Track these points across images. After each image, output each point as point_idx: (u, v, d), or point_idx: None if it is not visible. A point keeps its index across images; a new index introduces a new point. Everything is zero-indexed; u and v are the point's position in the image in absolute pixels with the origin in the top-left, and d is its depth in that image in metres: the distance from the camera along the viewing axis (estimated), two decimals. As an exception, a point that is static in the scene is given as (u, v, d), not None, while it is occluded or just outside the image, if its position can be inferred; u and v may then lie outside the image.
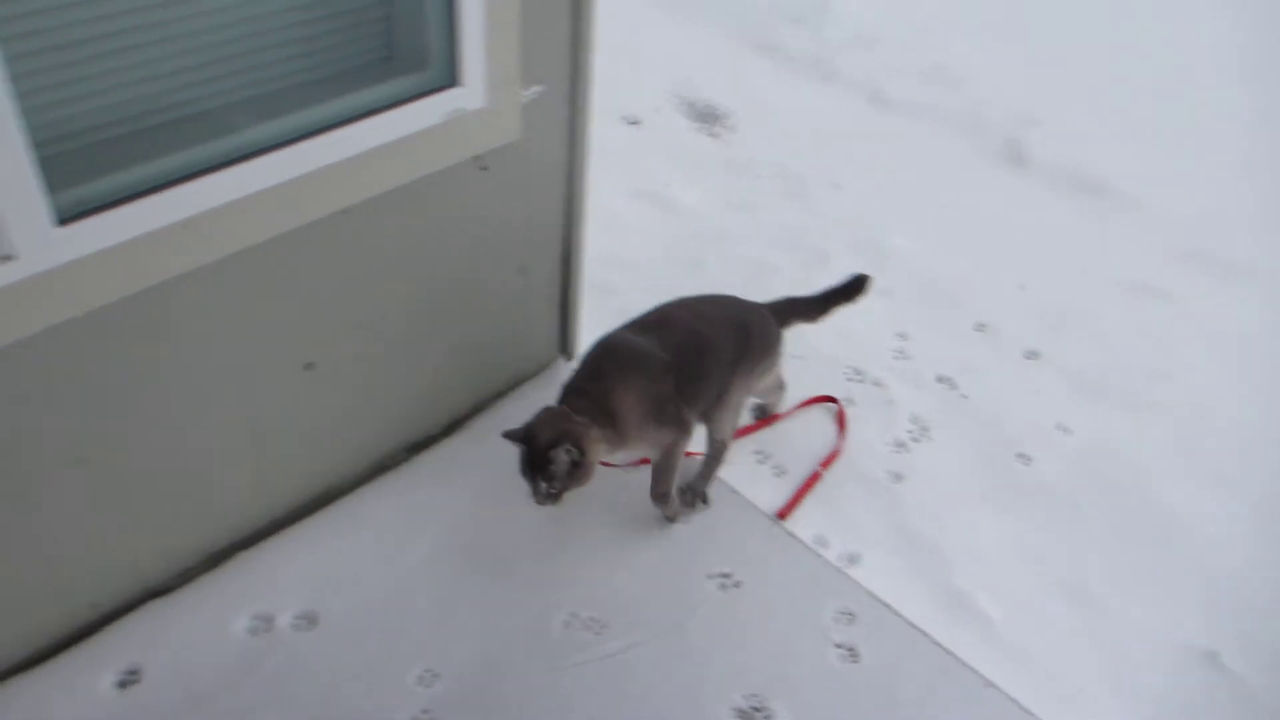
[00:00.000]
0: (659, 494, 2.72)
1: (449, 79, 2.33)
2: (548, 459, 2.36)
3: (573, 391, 2.52)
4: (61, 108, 1.83)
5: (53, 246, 1.78)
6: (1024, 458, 3.19)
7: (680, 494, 2.82)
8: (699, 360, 2.61)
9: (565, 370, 3.18)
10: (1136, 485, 3.13)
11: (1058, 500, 3.06)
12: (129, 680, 2.36)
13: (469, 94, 2.36)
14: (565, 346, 3.24)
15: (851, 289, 3.01)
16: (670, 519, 2.78)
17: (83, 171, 1.85)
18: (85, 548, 2.31)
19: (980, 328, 3.72)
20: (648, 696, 2.42)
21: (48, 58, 1.79)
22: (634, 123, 4.80)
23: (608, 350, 2.59)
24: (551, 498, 2.44)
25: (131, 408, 2.18)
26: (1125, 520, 3.02)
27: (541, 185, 2.79)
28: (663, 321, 2.66)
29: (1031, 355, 3.62)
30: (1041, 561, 2.88)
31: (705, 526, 2.82)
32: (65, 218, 1.79)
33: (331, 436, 2.69)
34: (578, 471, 2.41)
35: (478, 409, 3.06)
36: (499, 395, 3.11)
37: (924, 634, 2.57)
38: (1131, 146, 4.74)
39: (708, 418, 2.73)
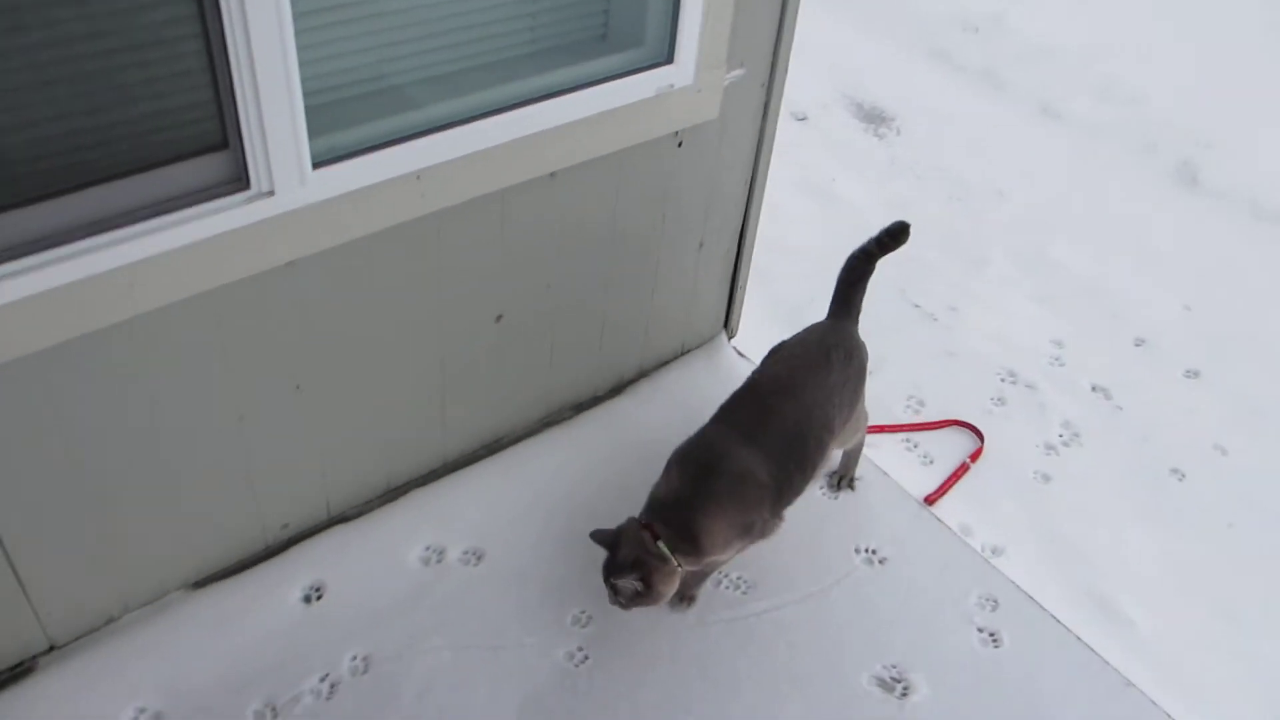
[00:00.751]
0: (687, 597, 2.63)
1: (663, 56, 2.47)
2: (615, 581, 2.35)
3: (662, 505, 2.43)
4: (323, 64, 2.03)
5: (307, 186, 2.00)
6: (1177, 473, 3.19)
7: (832, 479, 2.94)
8: (803, 450, 2.49)
9: (725, 348, 3.34)
10: (1295, 512, 3.10)
11: (1211, 519, 3.06)
12: (313, 595, 2.59)
13: (680, 72, 2.49)
14: (728, 322, 3.37)
15: (897, 236, 2.69)
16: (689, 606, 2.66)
17: (335, 122, 2.06)
18: (284, 471, 2.53)
19: (1140, 343, 3.71)
20: (790, 657, 2.53)
21: (319, 18, 2.00)
22: (802, 118, 4.90)
23: (704, 467, 2.44)
24: (621, 607, 2.42)
25: (346, 341, 2.40)
26: (1282, 546, 3.00)
27: (729, 165, 2.92)
28: (763, 414, 2.51)
29: (1192, 374, 3.60)
30: (1191, 576, 2.89)
31: (853, 504, 2.91)
32: (319, 162, 2.00)
33: (509, 388, 2.87)
34: (644, 599, 2.37)
35: (642, 374, 3.22)
36: (663, 363, 3.26)
37: (1067, 628, 2.62)
38: (1312, 173, 4.62)
39: (844, 440, 2.75)
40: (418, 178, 2.16)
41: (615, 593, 2.37)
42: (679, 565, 2.37)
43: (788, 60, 2.80)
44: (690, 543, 2.37)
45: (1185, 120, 4.88)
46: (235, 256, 2.01)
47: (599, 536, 2.44)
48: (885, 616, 2.63)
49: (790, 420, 2.49)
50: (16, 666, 2.35)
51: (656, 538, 2.36)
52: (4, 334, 1.82)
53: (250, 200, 1.95)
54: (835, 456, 2.92)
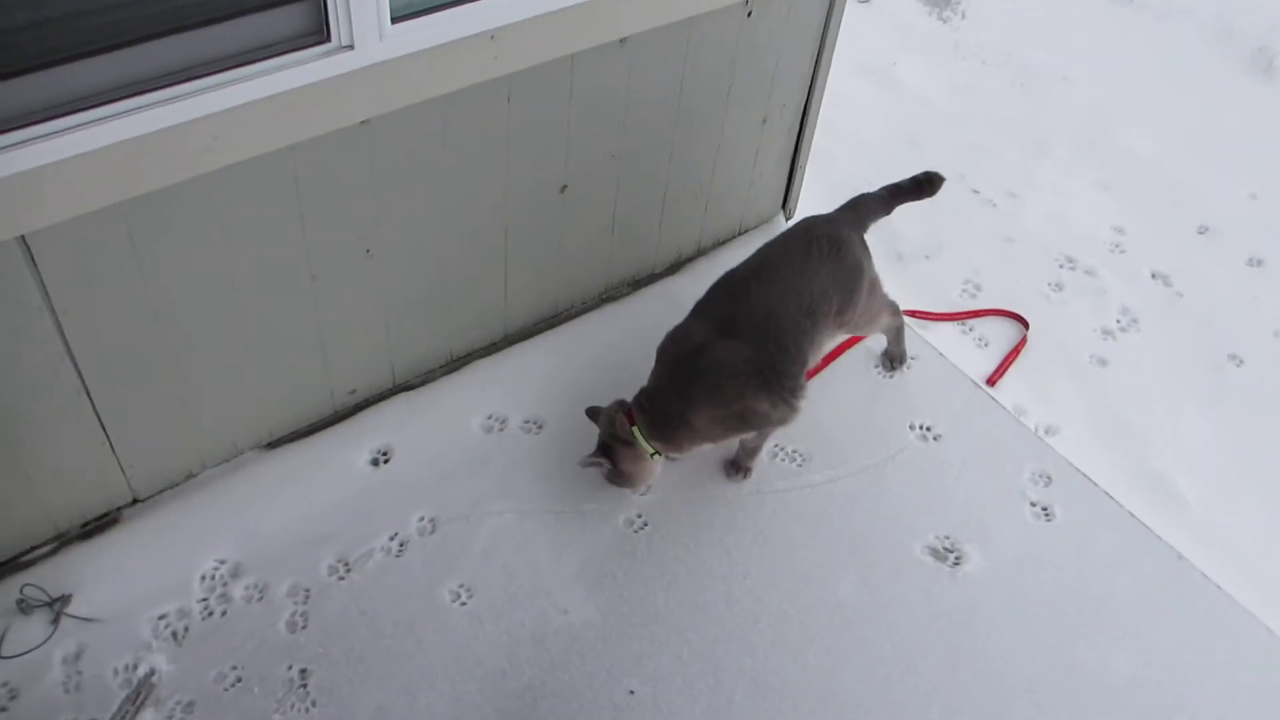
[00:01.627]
0: (743, 468, 2.68)
1: None
2: (579, 462, 2.53)
3: (647, 394, 2.51)
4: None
5: (385, 41, 2.00)
6: (1235, 359, 3.18)
7: (883, 359, 2.96)
8: (778, 333, 2.43)
9: (782, 229, 3.33)
10: (1354, 398, 3.09)
11: (1269, 403, 3.05)
12: (380, 459, 2.67)
13: None
14: (786, 203, 3.36)
15: (923, 185, 2.78)
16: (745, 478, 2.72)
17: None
18: (353, 335, 2.59)
19: (1203, 230, 3.66)
20: (845, 526, 2.59)
21: None
22: (864, 0, 4.79)
23: (680, 359, 2.47)
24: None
25: (414, 205, 2.42)
26: (1339, 430, 2.99)
27: (795, 39, 2.87)
28: (734, 301, 2.48)
29: (1255, 262, 3.55)
30: (1244, 458, 2.90)
31: (909, 381, 2.94)
32: (397, 16, 2.00)
33: (570, 260, 2.90)
34: (615, 478, 2.53)
35: (701, 252, 3.23)
36: (720, 243, 3.27)
37: (1119, 504, 2.66)
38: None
39: (859, 329, 2.72)
40: (491, 37, 2.15)
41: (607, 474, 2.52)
42: (654, 452, 2.47)
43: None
44: (666, 431, 2.46)
45: (1264, 5, 4.71)
46: (314, 111, 2.03)
47: (590, 412, 2.59)
48: (939, 490, 2.68)
49: (760, 305, 2.43)
50: (103, 516, 2.45)
51: (632, 423, 2.46)
52: (89, 183, 1.86)
53: (330, 54, 1.95)
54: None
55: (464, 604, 2.41)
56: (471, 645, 2.34)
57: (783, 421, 2.49)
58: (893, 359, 2.96)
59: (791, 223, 2.94)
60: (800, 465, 2.72)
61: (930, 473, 2.72)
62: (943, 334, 3.13)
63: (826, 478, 2.69)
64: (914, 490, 2.68)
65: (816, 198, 3.53)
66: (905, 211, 3.55)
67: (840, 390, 2.89)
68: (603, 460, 2.49)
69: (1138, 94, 4.29)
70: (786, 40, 2.85)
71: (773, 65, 2.88)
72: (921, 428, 2.82)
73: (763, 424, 2.48)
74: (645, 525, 2.58)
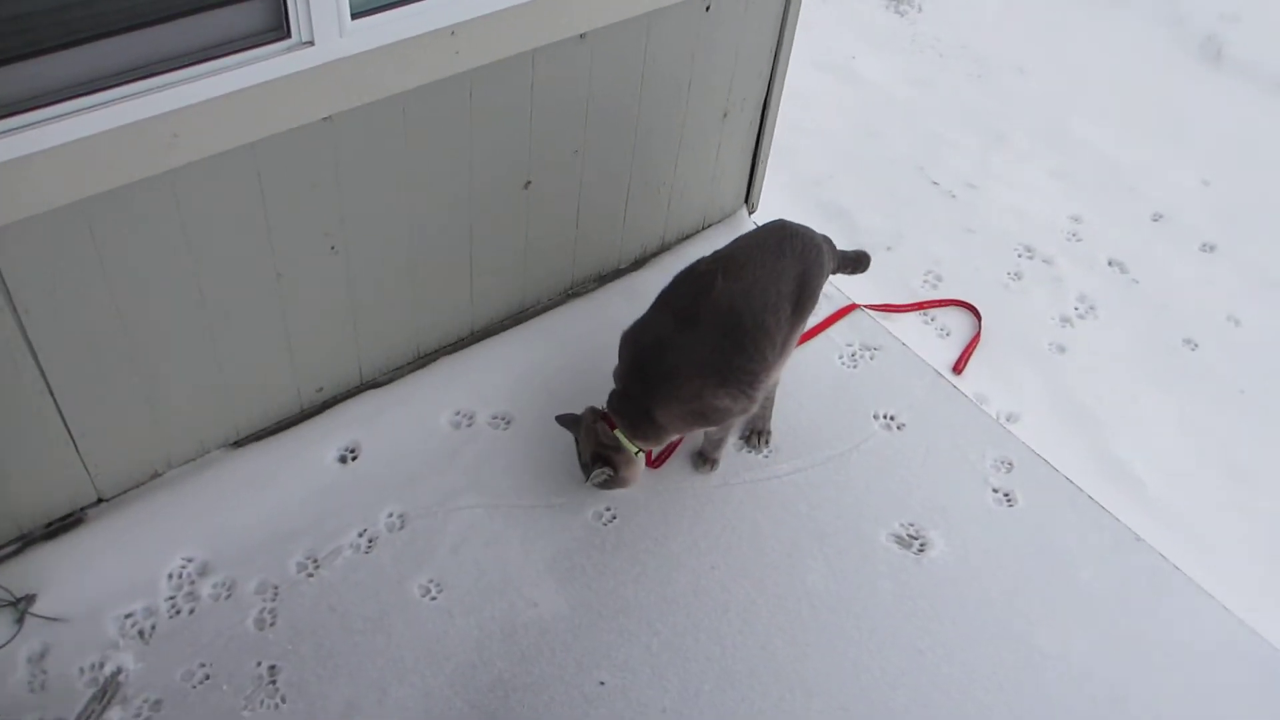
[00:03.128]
0: (710, 460, 2.69)
1: None
2: (588, 480, 2.49)
3: (616, 396, 2.51)
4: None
5: (346, 37, 2.01)
6: (1190, 343, 3.24)
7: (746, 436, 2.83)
8: (738, 331, 2.40)
9: (746, 223, 3.36)
10: (1304, 380, 3.16)
11: (1223, 386, 3.12)
12: (349, 456, 2.67)
13: None
14: (749, 196, 3.39)
15: (853, 261, 2.83)
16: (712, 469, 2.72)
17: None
18: (320, 332, 2.59)
19: (1157, 218, 3.73)
20: (811, 515, 2.63)
21: None
22: (822, -5, 4.82)
23: (642, 354, 2.47)
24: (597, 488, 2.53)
25: (379, 202, 2.42)
26: (1290, 411, 3.06)
27: (754, 33, 2.90)
28: (697, 294, 2.44)
29: (1208, 248, 3.62)
30: (1200, 439, 2.96)
31: (872, 373, 2.98)
32: (357, 12, 2.01)
33: (535, 256, 2.90)
34: (613, 484, 2.51)
35: (665, 247, 3.25)
36: (685, 237, 3.29)
37: (1079, 488, 2.71)
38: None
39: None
40: (452, 33, 2.16)
41: (588, 478, 2.50)
42: (638, 450, 2.49)
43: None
44: (641, 430, 2.47)
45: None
46: (275, 108, 2.03)
47: (563, 420, 2.58)
48: (903, 478, 2.72)
49: (724, 299, 2.39)
50: (67, 517, 2.44)
51: (613, 427, 2.47)
52: (51, 179, 1.86)
53: (290, 50, 1.96)
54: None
55: (434, 599, 2.42)
56: (442, 640, 2.35)
57: (744, 412, 2.50)
58: (759, 436, 2.80)
59: (761, 220, 2.91)
60: (766, 457, 2.74)
61: (894, 461, 2.75)
62: (905, 324, 3.17)
63: (793, 468, 2.72)
64: (879, 479, 2.71)
65: (779, 190, 3.57)
66: (867, 203, 3.63)
67: (805, 381, 2.92)
68: (608, 470, 2.47)
69: (1091, 84, 4.36)
70: (745, 35, 2.87)
71: (732, 60, 2.90)
72: (885, 417, 2.86)
73: (724, 418, 2.49)
74: (614, 518, 2.60)
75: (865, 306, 3.13)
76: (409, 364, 2.87)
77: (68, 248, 2.00)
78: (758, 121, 3.17)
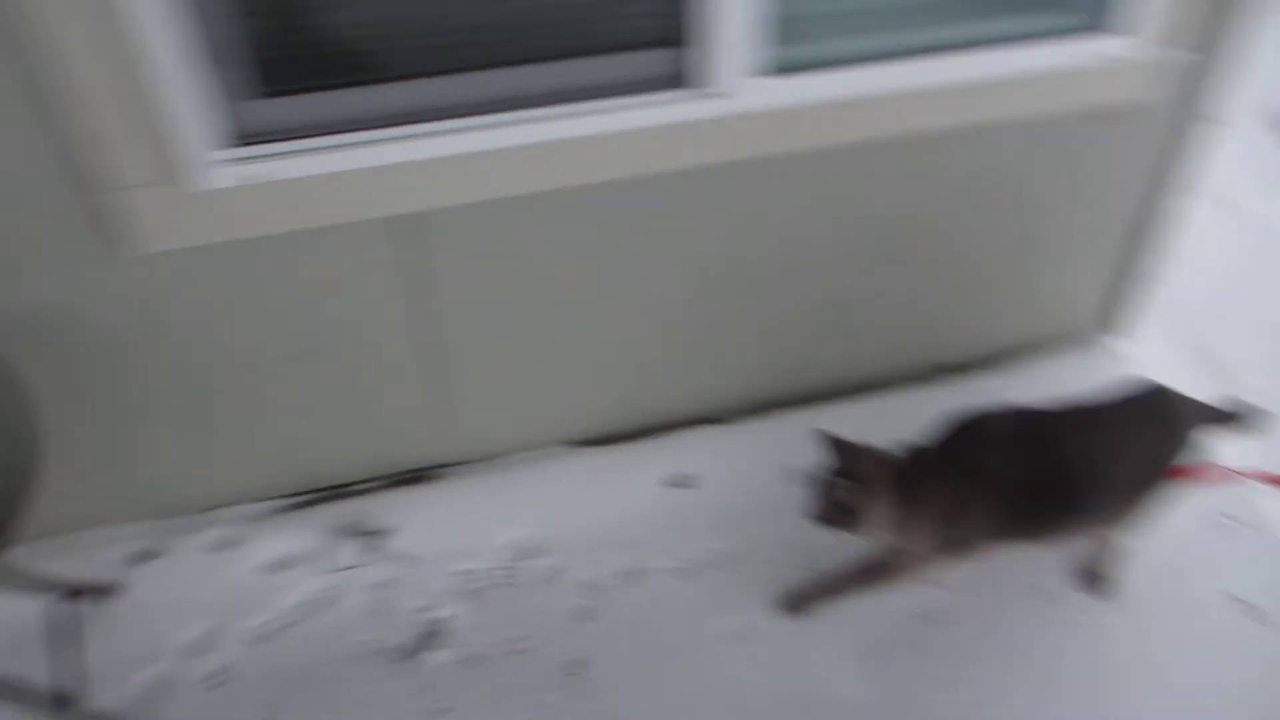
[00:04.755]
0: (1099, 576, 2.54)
1: (1098, 23, 2.38)
2: (835, 479, 2.22)
3: (916, 455, 2.29)
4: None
5: (754, 93, 2.20)
6: None
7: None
8: (1063, 495, 2.22)
9: (1102, 344, 3.23)
10: None
11: None
12: (682, 482, 2.79)
13: (1122, 43, 2.39)
14: (1111, 321, 3.24)
15: (1228, 418, 2.39)
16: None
17: (799, 35, 2.19)
18: (666, 357, 2.79)
19: None
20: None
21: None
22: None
23: (956, 444, 2.27)
24: (817, 520, 2.26)
25: (733, 256, 2.60)
26: None
27: (1144, 154, 2.78)
28: (1040, 437, 2.25)
29: None
30: None
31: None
32: (759, 73, 2.18)
33: (888, 330, 2.97)
34: (845, 518, 2.21)
35: (1010, 353, 3.19)
36: (1033, 348, 3.21)
37: None
38: None
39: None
40: (848, 106, 2.29)
41: (827, 497, 2.21)
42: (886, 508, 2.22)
43: (1240, 49, 2.56)
44: (897, 506, 2.22)
45: None
46: (669, 148, 2.24)
47: (832, 437, 2.25)
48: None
49: (1071, 458, 2.20)
50: (426, 469, 2.79)
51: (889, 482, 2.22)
52: (471, 180, 2.19)
53: (694, 100, 2.18)
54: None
55: (746, 647, 2.43)
56: (739, 690, 2.36)
57: (938, 562, 2.33)
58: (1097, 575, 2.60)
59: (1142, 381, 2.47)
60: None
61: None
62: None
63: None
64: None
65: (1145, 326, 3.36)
66: (1253, 358, 3.33)
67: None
68: (853, 494, 2.21)
69: None
70: (1136, 154, 2.79)
71: (1113, 178, 2.82)
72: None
73: (940, 548, 2.30)
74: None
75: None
76: (746, 407, 2.97)
77: (481, 238, 2.31)
78: (1129, 245, 3.05)
